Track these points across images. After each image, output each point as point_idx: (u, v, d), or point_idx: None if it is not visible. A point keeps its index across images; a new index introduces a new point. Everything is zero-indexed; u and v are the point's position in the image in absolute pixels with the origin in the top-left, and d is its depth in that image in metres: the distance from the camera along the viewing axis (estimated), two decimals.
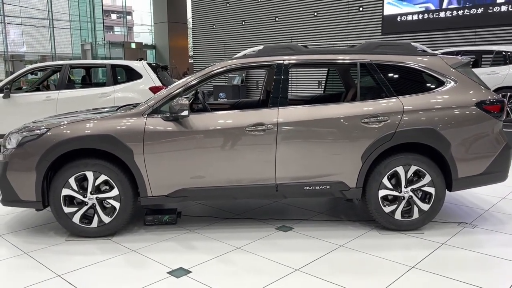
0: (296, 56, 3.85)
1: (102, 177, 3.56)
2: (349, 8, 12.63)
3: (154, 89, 7.22)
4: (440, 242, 3.53)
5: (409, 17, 11.54)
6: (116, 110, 4.04)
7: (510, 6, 9.87)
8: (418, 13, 11.39)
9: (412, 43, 4.02)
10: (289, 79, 3.79)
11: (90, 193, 3.58)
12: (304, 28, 13.73)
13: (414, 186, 3.68)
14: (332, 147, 3.62)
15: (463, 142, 3.64)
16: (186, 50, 25.74)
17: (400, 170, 3.65)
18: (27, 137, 3.57)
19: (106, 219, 3.62)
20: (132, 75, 7.69)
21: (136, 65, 7.72)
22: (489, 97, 3.74)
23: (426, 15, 11.26)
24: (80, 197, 3.59)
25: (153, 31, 26.88)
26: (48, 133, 3.55)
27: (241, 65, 3.84)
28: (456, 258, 3.26)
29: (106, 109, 4.37)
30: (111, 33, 39.09)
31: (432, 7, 11.09)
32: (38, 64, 9.34)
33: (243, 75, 14.92)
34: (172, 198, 3.64)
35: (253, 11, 15.23)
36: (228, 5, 16.00)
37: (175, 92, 3.68)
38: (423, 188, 3.69)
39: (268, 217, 4.16)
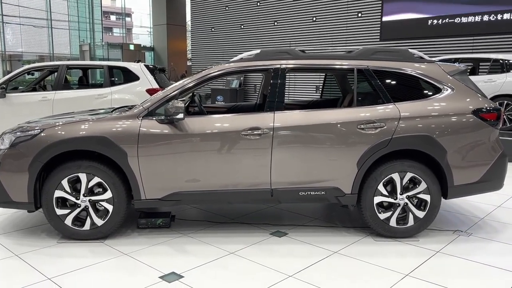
0: (293, 61, 3.84)
1: (96, 179, 3.52)
2: (348, 14, 12.66)
3: (151, 91, 7.18)
4: (435, 250, 3.51)
5: (407, 24, 11.55)
6: (112, 111, 4.02)
7: (509, 14, 9.90)
8: (416, 19, 11.41)
9: (409, 50, 4.02)
10: (286, 84, 3.77)
11: (83, 195, 3.55)
12: (303, 33, 13.74)
13: (409, 193, 3.66)
14: (327, 153, 3.60)
15: (459, 149, 3.63)
16: (184, 53, 25.72)
17: (395, 176, 3.63)
18: (20, 138, 3.54)
19: (99, 222, 3.59)
20: (129, 76, 7.66)
21: (133, 66, 7.70)
22: (486, 105, 3.73)
23: (424, 22, 11.28)
24: (73, 199, 3.55)
25: (152, 33, 26.86)
26: (42, 134, 3.52)
27: (237, 68, 3.82)
28: (451, 266, 3.24)
29: (102, 111, 4.34)
30: (110, 34, 39.07)
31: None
32: (35, 64, 9.31)
33: (241, 78, 14.90)
34: (166, 202, 3.61)
35: (252, 15, 15.23)
36: (227, 8, 16.01)
37: (171, 95, 3.66)
38: (418, 195, 3.67)
39: (262, 222, 4.13)
